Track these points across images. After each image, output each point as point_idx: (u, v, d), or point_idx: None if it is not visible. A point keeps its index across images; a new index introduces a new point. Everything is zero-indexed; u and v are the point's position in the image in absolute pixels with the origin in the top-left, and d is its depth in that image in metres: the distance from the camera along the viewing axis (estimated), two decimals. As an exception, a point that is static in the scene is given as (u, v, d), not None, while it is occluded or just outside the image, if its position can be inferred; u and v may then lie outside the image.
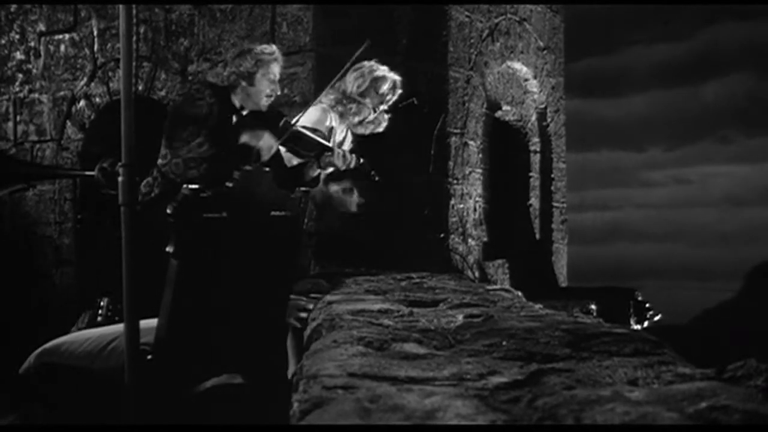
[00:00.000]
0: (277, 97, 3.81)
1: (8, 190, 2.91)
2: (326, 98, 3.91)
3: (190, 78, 5.11)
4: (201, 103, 3.55)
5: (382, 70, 3.97)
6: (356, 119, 3.96)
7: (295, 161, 3.61)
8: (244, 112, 3.70)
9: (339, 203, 4.06)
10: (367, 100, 3.92)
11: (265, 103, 3.70)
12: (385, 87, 3.95)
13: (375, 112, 3.94)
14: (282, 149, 3.49)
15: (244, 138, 3.44)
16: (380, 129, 4.03)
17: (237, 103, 3.70)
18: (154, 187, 3.67)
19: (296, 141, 3.44)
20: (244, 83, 3.67)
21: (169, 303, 2.30)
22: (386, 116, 4.04)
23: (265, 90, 3.68)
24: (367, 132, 4.02)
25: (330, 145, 3.55)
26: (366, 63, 3.96)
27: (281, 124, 3.44)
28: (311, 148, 3.47)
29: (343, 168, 3.63)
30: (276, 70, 3.72)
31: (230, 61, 3.73)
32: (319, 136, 3.55)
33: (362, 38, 3.99)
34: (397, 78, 3.99)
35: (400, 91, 4.00)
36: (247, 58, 3.66)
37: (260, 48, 3.75)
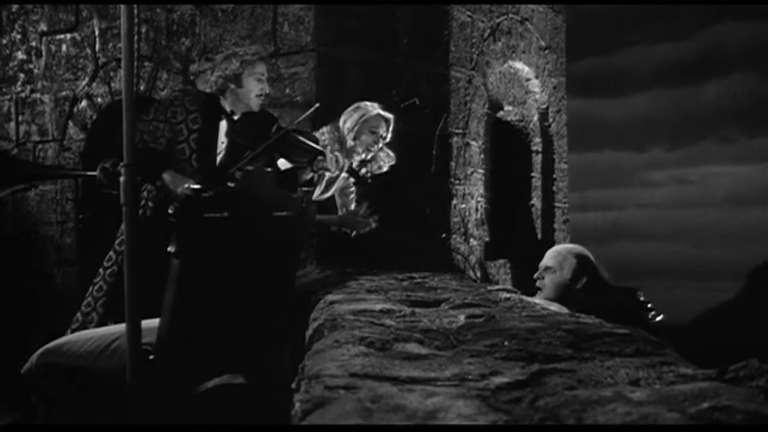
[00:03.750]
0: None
1: (10, 190, 2.92)
2: (326, 138, 3.96)
3: (191, 78, 5.13)
4: (175, 110, 3.64)
5: (375, 109, 3.99)
6: (353, 161, 3.99)
7: (289, 165, 3.65)
8: (236, 117, 3.73)
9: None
10: (359, 142, 3.94)
11: (255, 103, 3.74)
12: (379, 127, 3.97)
13: (370, 151, 3.96)
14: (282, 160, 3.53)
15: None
16: (384, 169, 4.06)
17: (227, 107, 3.74)
18: (148, 201, 3.72)
19: (289, 147, 3.46)
20: (232, 86, 3.71)
21: (171, 303, 2.31)
22: (390, 155, 4.06)
23: (254, 90, 3.72)
24: (369, 173, 4.06)
25: (322, 149, 3.57)
26: (360, 104, 4.01)
27: (274, 129, 3.45)
28: (303, 154, 3.48)
29: (336, 172, 3.67)
30: (261, 69, 3.76)
31: (217, 65, 3.77)
32: (311, 140, 3.57)
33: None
34: (391, 116, 4.01)
35: (392, 129, 4.01)
36: (232, 60, 3.73)
37: (244, 49, 3.83)
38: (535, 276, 3.37)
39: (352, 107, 4.01)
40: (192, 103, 3.68)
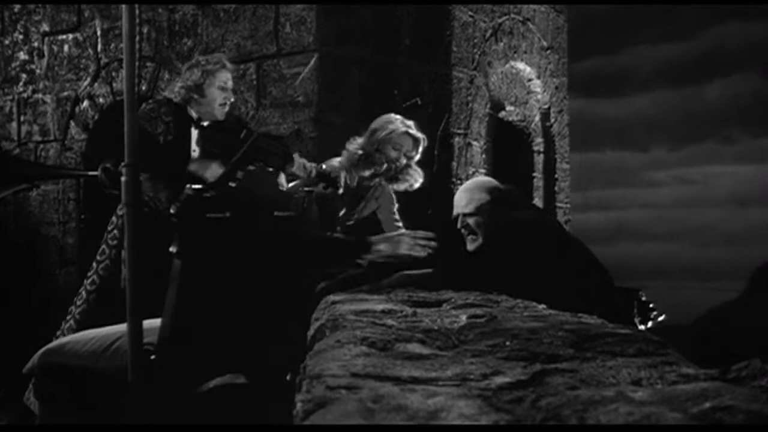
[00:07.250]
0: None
1: (12, 190, 2.92)
2: (344, 155, 3.81)
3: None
4: (155, 122, 3.62)
5: (404, 126, 3.80)
6: (366, 173, 3.80)
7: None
8: (204, 123, 3.73)
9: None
10: (381, 154, 3.76)
11: (220, 111, 3.72)
12: (403, 145, 3.77)
13: (391, 168, 3.77)
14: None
15: (192, 167, 3.47)
16: (416, 185, 3.87)
17: (194, 115, 3.73)
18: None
19: (262, 153, 3.41)
20: (195, 96, 3.69)
21: (173, 303, 2.31)
22: (419, 171, 3.86)
23: (218, 99, 3.70)
24: (401, 188, 3.89)
25: (290, 153, 3.50)
26: (392, 117, 3.83)
27: (242, 135, 3.42)
28: (275, 160, 3.43)
29: (304, 176, 3.61)
30: (224, 77, 3.73)
31: (181, 75, 3.76)
32: (280, 145, 3.53)
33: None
34: (420, 136, 3.80)
35: (421, 149, 3.82)
36: (194, 71, 3.71)
37: (205, 58, 3.79)
38: (462, 227, 3.07)
39: (385, 118, 3.82)
40: (167, 114, 3.68)
